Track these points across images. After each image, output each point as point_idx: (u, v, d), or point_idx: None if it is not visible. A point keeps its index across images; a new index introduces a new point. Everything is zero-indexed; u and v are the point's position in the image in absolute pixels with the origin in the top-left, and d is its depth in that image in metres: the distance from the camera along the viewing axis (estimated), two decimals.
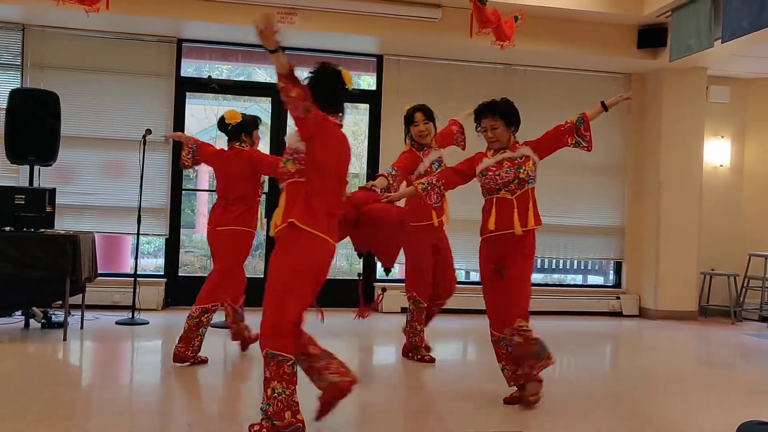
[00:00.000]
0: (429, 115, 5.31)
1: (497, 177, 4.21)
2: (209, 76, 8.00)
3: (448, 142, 5.54)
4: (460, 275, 8.84)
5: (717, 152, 8.86)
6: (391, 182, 4.82)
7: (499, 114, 4.25)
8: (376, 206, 3.74)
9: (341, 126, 3.59)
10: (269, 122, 8.23)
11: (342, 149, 3.50)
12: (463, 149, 5.54)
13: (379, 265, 3.90)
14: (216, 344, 5.82)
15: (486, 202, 4.33)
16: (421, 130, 5.27)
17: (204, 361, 4.97)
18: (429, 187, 4.31)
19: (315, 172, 3.34)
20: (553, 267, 9.73)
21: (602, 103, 4.51)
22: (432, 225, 5.26)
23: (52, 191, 5.89)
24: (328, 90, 3.46)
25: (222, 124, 5.17)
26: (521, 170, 4.21)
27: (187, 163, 5.30)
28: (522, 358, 4.15)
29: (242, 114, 5.21)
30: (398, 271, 8.82)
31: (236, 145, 5.11)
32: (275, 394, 3.25)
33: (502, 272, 4.25)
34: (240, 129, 5.12)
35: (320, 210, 3.31)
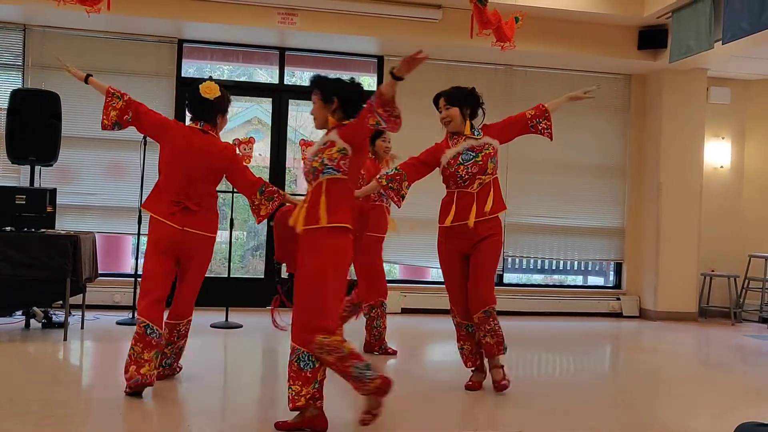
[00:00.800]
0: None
1: (464, 170, 4.30)
2: (210, 77, 7.99)
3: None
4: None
5: (717, 153, 8.87)
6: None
7: (448, 96, 4.42)
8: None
9: None
10: (269, 123, 8.24)
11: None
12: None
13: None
14: (216, 345, 5.82)
15: (447, 194, 4.44)
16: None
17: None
18: (391, 182, 4.34)
19: (354, 175, 3.53)
20: (553, 268, 9.72)
21: (568, 95, 4.64)
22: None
23: (53, 191, 5.90)
24: (357, 101, 3.74)
25: (197, 99, 4.30)
26: (490, 164, 4.31)
27: (107, 123, 4.63)
28: (490, 349, 4.32)
29: (221, 89, 4.35)
30: (399, 271, 8.85)
31: (208, 128, 4.28)
32: (358, 371, 3.26)
33: (468, 261, 4.39)
34: (217, 108, 4.31)
35: (354, 210, 3.49)
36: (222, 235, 9.00)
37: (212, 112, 4.28)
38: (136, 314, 4.04)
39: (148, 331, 4.03)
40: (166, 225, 4.10)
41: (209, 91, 4.28)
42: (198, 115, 4.30)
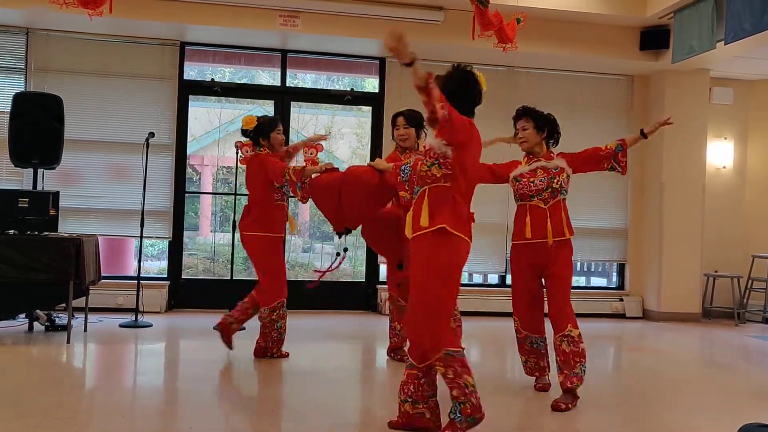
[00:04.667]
0: (411, 121, 5.16)
1: (531, 184, 4.38)
2: (212, 79, 8.02)
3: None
4: (464, 276, 8.85)
5: (720, 154, 8.86)
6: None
7: (530, 116, 4.47)
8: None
9: None
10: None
11: (480, 153, 3.60)
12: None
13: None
14: (219, 346, 5.83)
15: (518, 208, 4.50)
16: (401, 134, 5.18)
17: (285, 356, 5.32)
18: None
19: (462, 177, 3.41)
20: None
21: (641, 131, 4.82)
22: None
23: (56, 194, 5.90)
24: (468, 94, 3.53)
25: (242, 131, 5.37)
26: (555, 180, 4.37)
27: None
28: (565, 365, 4.25)
29: (258, 117, 5.32)
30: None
31: (256, 150, 5.27)
32: (468, 389, 3.31)
33: (543, 279, 4.45)
34: (256, 133, 5.23)
35: (465, 214, 3.42)
36: (225, 237, 9.02)
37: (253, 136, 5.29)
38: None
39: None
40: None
41: (246, 124, 5.27)
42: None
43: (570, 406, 4.16)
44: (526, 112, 4.49)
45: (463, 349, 3.43)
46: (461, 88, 3.50)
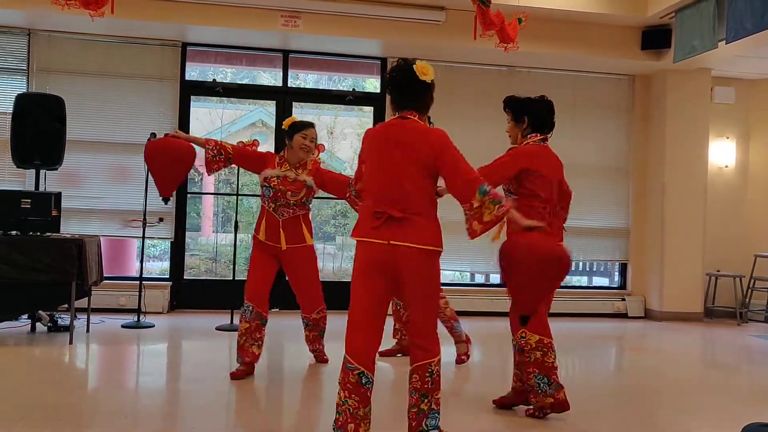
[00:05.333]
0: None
1: None
2: (214, 80, 8.03)
3: None
4: (466, 277, 8.85)
5: (722, 153, 8.85)
6: None
7: (508, 108, 4.36)
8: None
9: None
10: (273, 125, 8.25)
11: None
12: None
13: None
14: (221, 347, 5.83)
15: None
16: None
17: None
18: None
19: None
20: None
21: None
22: None
23: (58, 195, 5.91)
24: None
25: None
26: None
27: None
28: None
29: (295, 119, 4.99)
30: None
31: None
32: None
33: None
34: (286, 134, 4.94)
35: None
36: (227, 238, 9.02)
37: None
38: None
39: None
40: None
41: (284, 125, 4.96)
42: None
43: None
44: (506, 105, 4.30)
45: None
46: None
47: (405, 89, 3.29)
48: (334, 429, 3.16)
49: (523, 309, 3.50)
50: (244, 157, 4.89)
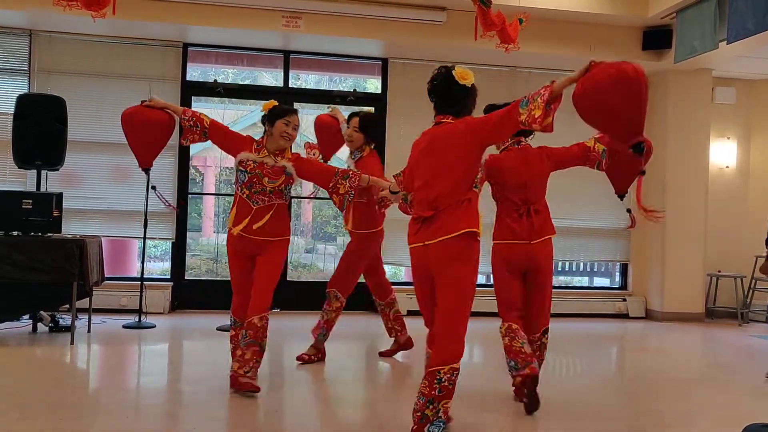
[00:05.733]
0: (361, 125, 5.25)
1: None
2: (215, 81, 8.03)
3: None
4: None
5: (723, 153, 8.85)
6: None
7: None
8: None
9: None
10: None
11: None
12: None
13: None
14: (222, 348, 5.83)
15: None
16: (349, 134, 5.28)
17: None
18: None
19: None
20: (559, 269, 9.71)
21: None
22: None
23: (59, 195, 5.92)
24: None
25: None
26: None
27: None
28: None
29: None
30: (404, 273, 8.86)
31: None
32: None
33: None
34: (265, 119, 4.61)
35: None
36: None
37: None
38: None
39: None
40: None
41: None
42: None
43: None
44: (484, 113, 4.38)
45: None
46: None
47: (445, 95, 3.49)
48: None
49: (630, 137, 3.32)
50: (221, 134, 4.51)
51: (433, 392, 3.21)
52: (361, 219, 5.25)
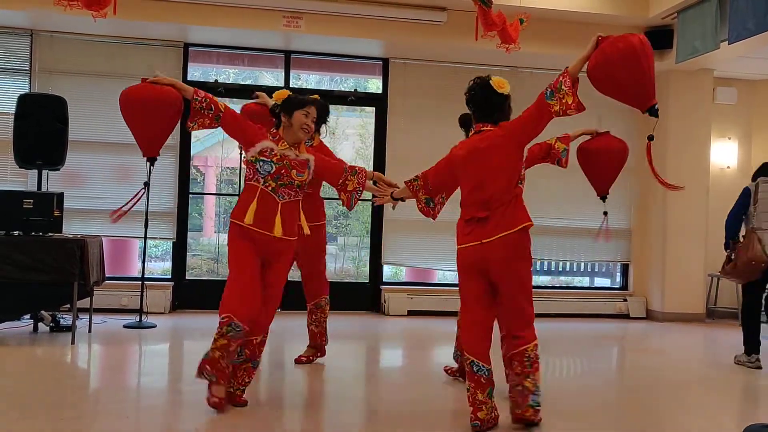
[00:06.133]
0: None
1: None
2: (216, 81, 8.03)
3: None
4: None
5: (724, 154, 8.85)
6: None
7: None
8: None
9: None
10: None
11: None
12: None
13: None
14: None
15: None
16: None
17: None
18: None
19: None
20: (560, 270, 9.71)
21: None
22: None
23: (60, 195, 5.92)
24: None
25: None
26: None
27: None
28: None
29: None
30: (405, 273, 8.86)
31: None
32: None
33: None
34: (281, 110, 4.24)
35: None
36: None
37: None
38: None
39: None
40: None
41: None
42: None
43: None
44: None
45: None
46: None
47: (484, 104, 3.77)
48: None
49: (645, 102, 3.62)
50: (235, 121, 4.06)
51: (525, 368, 3.63)
52: (310, 212, 4.63)
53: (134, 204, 4.48)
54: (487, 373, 3.62)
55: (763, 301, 5.89)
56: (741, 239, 5.90)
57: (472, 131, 3.85)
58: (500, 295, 3.67)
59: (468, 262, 3.69)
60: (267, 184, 3.91)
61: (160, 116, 4.05)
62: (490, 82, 3.75)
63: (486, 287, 3.68)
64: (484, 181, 3.65)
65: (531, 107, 3.71)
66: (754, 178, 6.07)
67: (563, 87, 3.64)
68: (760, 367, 5.64)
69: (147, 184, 4.53)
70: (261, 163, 3.91)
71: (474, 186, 3.69)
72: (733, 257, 5.85)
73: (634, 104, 3.64)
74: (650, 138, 4.04)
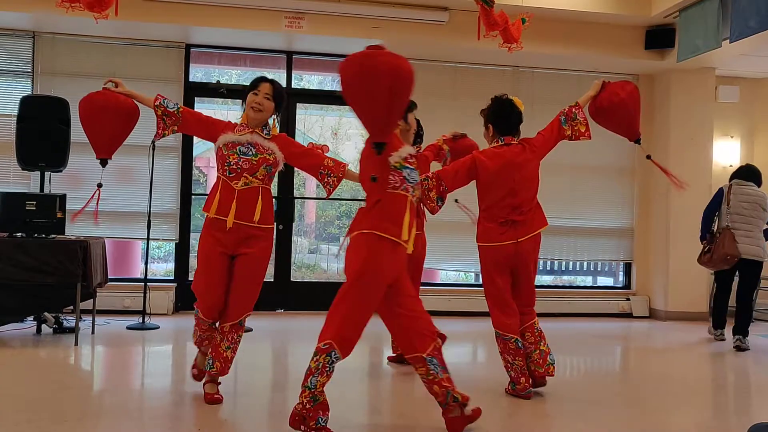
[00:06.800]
0: (275, 92, 4.38)
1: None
2: (218, 81, 8.04)
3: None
4: (470, 277, 8.85)
5: (726, 152, 8.84)
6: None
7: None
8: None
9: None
10: (278, 126, 8.25)
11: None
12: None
13: None
14: None
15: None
16: (259, 101, 4.31)
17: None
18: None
19: None
20: (563, 269, 9.72)
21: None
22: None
23: (63, 197, 5.93)
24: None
25: None
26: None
27: None
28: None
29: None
30: None
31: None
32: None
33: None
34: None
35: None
36: None
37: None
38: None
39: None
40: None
41: None
42: None
43: None
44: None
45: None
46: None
47: (507, 120, 4.43)
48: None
49: (634, 135, 4.77)
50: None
51: (537, 336, 4.44)
52: (268, 212, 4.21)
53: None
54: (522, 345, 4.36)
55: (737, 292, 6.80)
56: (717, 235, 6.70)
57: (499, 141, 4.40)
58: (520, 280, 4.40)
59: (502, 258, 4.32)
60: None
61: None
62: (513, 100, 4.47)
63: (510, 278, 4.40)
64: (516, 190, 4.29)
65: (547, 130, 4.48)
66: (731, 178, 6.83)
67: (578, 117, 4.46)
68: (723, 339, 6.92)
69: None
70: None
71: (506, 193, 4.28)
72: (709, 249, 6.72)
73: (624, 135, 4.69)
74: (648, 157, 5.03)
